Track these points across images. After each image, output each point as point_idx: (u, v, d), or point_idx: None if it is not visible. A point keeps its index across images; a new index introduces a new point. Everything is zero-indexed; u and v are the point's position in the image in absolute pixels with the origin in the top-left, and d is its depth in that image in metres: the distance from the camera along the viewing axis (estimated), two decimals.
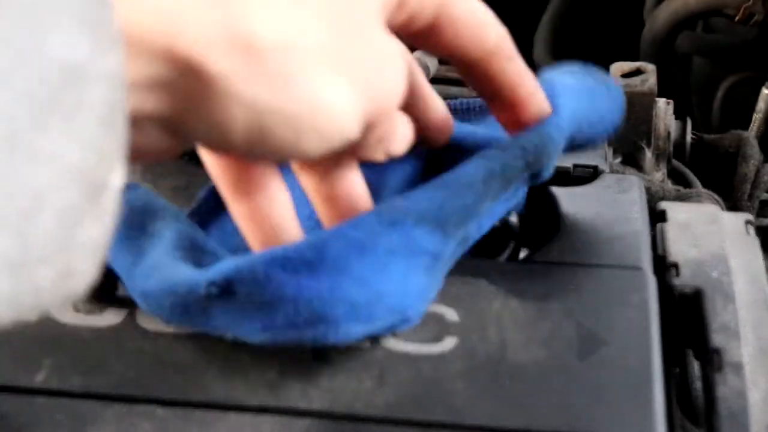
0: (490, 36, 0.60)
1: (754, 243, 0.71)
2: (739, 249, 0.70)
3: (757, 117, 1.17)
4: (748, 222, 0.73)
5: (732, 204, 0.93)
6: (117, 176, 0.36)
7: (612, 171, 0.84)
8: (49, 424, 0.60)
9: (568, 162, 0.81)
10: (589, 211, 0.70)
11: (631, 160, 0.93)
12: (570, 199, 0.73)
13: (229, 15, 0.41)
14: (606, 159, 0.84)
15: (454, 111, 0.78)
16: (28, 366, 0.64)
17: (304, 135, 0.45)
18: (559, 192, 0.76)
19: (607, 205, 0.75)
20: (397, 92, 0.51)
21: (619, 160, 0.92)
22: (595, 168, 0.81)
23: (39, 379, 0.63)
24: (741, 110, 1.22)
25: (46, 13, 0.32)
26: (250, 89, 0.42)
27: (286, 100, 0.43)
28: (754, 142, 0.96)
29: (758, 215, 0.93)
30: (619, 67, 0.95)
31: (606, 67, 0.95)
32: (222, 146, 0.46)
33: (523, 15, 1.51)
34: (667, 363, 0.65)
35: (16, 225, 0.32)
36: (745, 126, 1.17)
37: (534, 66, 1.42)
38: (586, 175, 0.81)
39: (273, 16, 0.43)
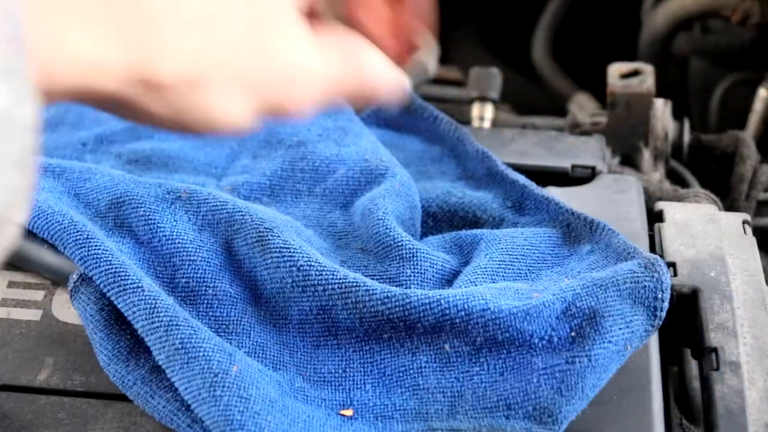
0: None
1: (752, 243, 0.71)
2: (737, 249, 0.70)
3: (753, 118, 1.18)
4: (745, 222, 0.73)
5: (729, 204, 0.93)
6: (21, 213, 0.39)
7: (610, 171, 0.84)
8: (51, 423, 0.60)
9: (566, 162, 0.82)
10: (587, 211, 0.70)
11: (629, 160, 0.93)
12: (568, 199, 0.73)
13: (137, 58, 0.45)
14: (604, 159, 0.84)
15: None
16: (31, 365, 0.64)
17: (203, 131, 0.51)
18: (558, 192, 0.76)
19: (605, 205, 0.76)
20: (297, 95, 0.54)
21: (617, 160, 0.93)
22: (594, 168, 0.81)
23: (41, 378, 0.63)
24: (738, 111, 1.23)
25: None
26: (157, 110, 0.48)
27: (186, 117, 0.49)
28: (751, 143, 0.96)
29: (755, 215, 0.93)
30: (617, 68, 0.95)
31: (604, 68, 0.96)
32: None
33: (522, 16, 1.51)
34: (665, 362, 0.65)
35: None
36: (742, 126, 1.17)
37: (533, 67, 1.42)
38: (584, 176, 0.81)
39: (176, 52, 0.47)
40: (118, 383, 0.60)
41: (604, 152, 0.85)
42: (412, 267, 0.66)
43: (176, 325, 0.59)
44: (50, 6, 0.42)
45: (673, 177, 0.96)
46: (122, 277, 0.62)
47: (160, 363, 0.58)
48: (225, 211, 0.68)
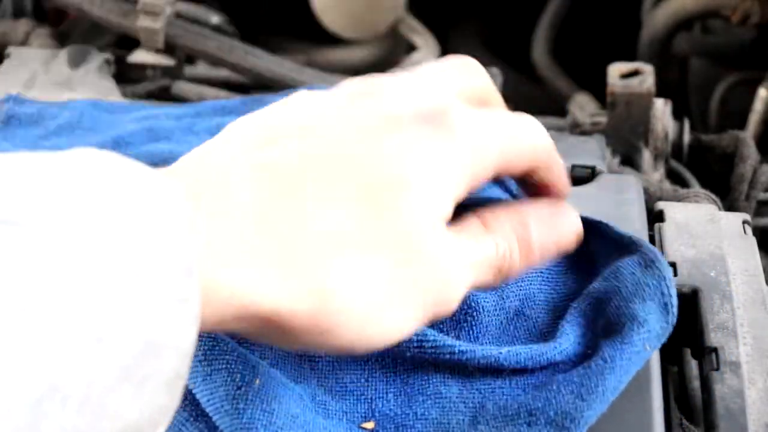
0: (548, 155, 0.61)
1: (752, 243, 0.71)
2: (737, 249, 0.70)
3: (753, 118, 1.18)
4: (745, 222, 0.73)
5: (729, 204, 0.93)
6: (161, 429, 0.41)
7: (610, 171, 0.84)
8: None
9: (566, 162, 0.82)
10: (587, 211, 0.70)
11: (629, 160, 0.93)
12: (568, 199, 0.73)
13: (310, 288, 0.46)
14: (604, 159, 0.84)
15: None
16: None
17: (366, 350, 0.51)
18: None
19: (605, 205, 0.76)
20: (457, 296, 0.54)
21: (617, 160, 0.93)
22: (594, 168, 0.81)
23: None
24: (738, 111, 1.23)
25: (139, 290, 0.37)
26: (315, 338, 0.48)
27: (343, 341, 0.49)
28: (751, 143, 0.96)
29: (755, 215, 0.93)
30: (617, 67, 0.95)
31: (604, 68, 0.96)
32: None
33: (522, 15, 1.51)
34: (665, 362, 0.65)
35: None
36: (743, 126, 1.18)
37: (533, 66, 1.43)
38: (584, 176, 0.81)
39: (344, 284, 0.47)
40: None
41: (604, 152, 0.85)
42: None
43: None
44: (218, 247, 0.44)
45: (673, 177, 0.96)
46: None
47: None
48: None
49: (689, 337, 0.66)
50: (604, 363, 0.58)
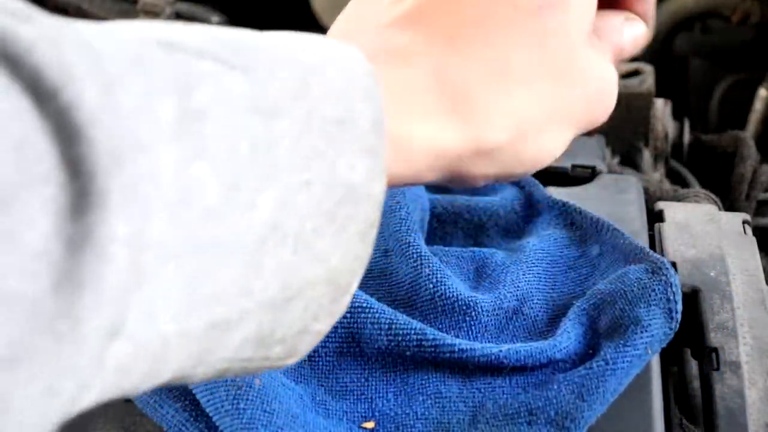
0: None
1: (752, 242, 0.71)
2: (737, 248, 0.70)
3: (753, 117, 1.18)
4: (745, 222, 0.73)
5: (729, 204, 0.93)
6: (356, 283, 0.43)
7: (610, 171, 0.84)
8: None
9: (566, 162, 0.82)
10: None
11: (629, 160, 0.93)
12: (568, 199, 0.73)
13: (469, 134, 0.49)
14: (604, 159, 0.84)
15: None
16: None
17: (527, 174, 0.55)
18: (558, 192, 0.76)
19: (605, 205, 0.76)
20: (610, 106, 0.57)
21: (617, 160, 0.93)
22: (594, 168, 0.81)
23: None
24: (738, 111, 1.23)
25: (339, 141, 0.40)
26: (487, 171, 0.51)
27: (515, 169, 0.52)
28: (751, 143, 0.96)
29: (755, 215, 0.93)
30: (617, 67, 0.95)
31: None
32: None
33: None
34: (665, 362, 0.65)
35: (276, 309, 0.40)
36: (743, 126, 1.18)
37: None
38: (584, 176, 0.81)
39: (499, 117, 0.50)
40: None
41: (604, 152, 0.85)
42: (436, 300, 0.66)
43: None
44: (398, 103, 0.47)
45: (673, 177, 0.96)
46: None
47: None
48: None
49: (689, 337, 0.66)
50: (606, 365, 0.58)
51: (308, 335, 0.43)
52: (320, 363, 0.63)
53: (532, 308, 0.66)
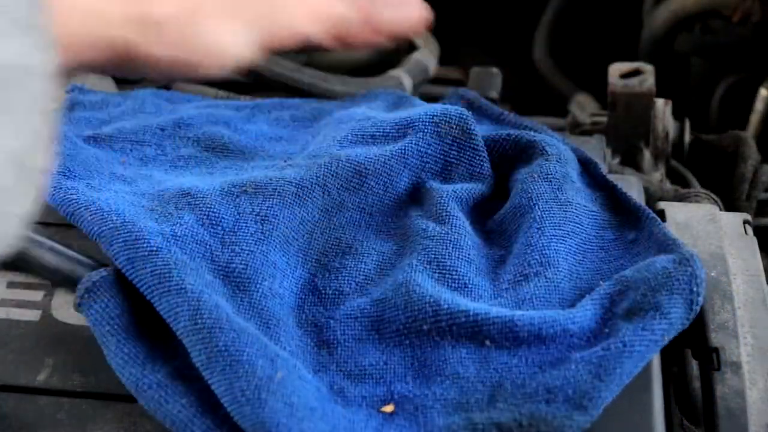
0: None
1: (752, 242, 0.71)
2: (738, 248, 0.70)
3: (754, 117, 1.18)
4: (746, 222, 0.73)
5: (730, 204, 0.93)
6: (46, 158, 0.42)
7: (611, 171, 0.84)
8: (50, 423, 0.60)
9: None
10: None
11: (630, 160, 0.93)
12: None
13: (135, 3, 0.51)
14: (605, 159, 0.84)
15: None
16: (30, 366, 0.64)
17: (208, 68, 0.56)
18: None
19: None
20: (294, 21, 0.60)
21: (617, 160, 0.92)
22: None
23: (41, 378, 0.63)
24: (739, 110, 1.23)
25: None
26: (159, 52, 0.53)
27: (186, 53, 0.54)
28: (752, 143, 0.96)
29: (756, 215, 0.93)
30: (617, 67, 0.95)
31: (605, 68, 0.95)
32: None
33: (522, 15, 1.51)
34: (666, 362, 0.65)
35: None
36: (743, 126, 1.17)
37: (534, 66, 1.42)
38: None
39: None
40: (132, 387, 0.59)
41: (605, 152, 0.85)
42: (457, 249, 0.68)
43: (220, 327, 0.59)
44: None
45: (674, 177, 0.96)
46: (167, 278, 0.62)
47: (198, 364, 0.58)
48: (288, 208, 0.69)
49: (690, 337, 0.66)
50: (624, 347, 0.59)
51: (12, 218, 0.42)
52: (339, 350, 0.63)
53: (556, 275, 0.66)
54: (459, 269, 0.66)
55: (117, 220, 0.66)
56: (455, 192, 0.73)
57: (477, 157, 0.75)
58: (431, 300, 0.62)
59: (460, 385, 0.60)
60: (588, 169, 0.76)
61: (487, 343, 0.61)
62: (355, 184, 0.72)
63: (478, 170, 0.75)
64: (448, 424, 0.57)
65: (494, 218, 0.73)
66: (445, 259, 0.67)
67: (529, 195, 0.71)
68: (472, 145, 0.75)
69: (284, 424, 0.54)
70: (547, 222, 0.69)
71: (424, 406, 0.59)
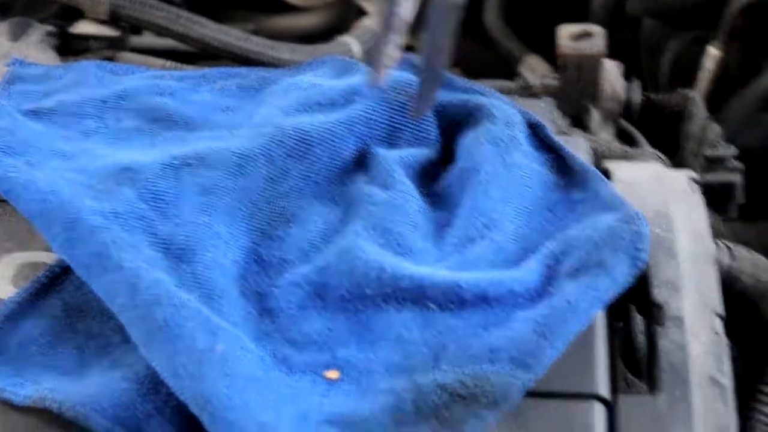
0: None
1: (698, 199, 0.72)
2: (683, 205, 0.71)
3: (703, 76, 1.18)
4: (691, 179, 0.73)
5: (678, 162, 0.93)
6: None
7: (559, 133, 0.84)
8: None
9: None
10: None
11: (580, 121, 0.93)
12: None
13: None
14: (554, 121, 0.84)
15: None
16: None
17: None
18: None
19: None
20: None
21: (568, 122, 0.93)
22: None
23: None
24: (689, 70, 1.23)
25: None
26: None
27: None
28: (700, 101, 0.96)
29: (704, 172, 0.93)
30: (567, 29, 0.95)
31: (556, 30, 0.95)
32: None
33: None
34: (611, 318, 0.66)
35: None
36: (694, 84, 1.18)
37: (484, 29, 1.42)
38: None
39: None
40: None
41: (554, 114, 0.86)
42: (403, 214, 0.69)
43: (158, 303, 0.59)
44: None
45: (624, 137, 0.96)
46: (105, 257, 0.62)
47: (137, 341, 0.58)
48: (231, 178, 0.69)
49: (635, 293, 0.66)
50: (568, 305, 0.60)
51: None
52: (282, 317, 0.63)
53: (501, 237, 0.67)
54: (404, 234, 0.67)
55: (55, 200, 0.65)
56: (401, 157, 0.73)
57: (423, 122, 0.75)
58: (375, 265, 0.63)
59: (404, 348, 0.60)
60: (536, 131, 0.76)
61: (432, 306, 0.61)
62: (301, 153, 0.72)
63: (424, 135, 0.75)
64: (393, 387, 0.58)
65: (440, 182, 0.73)
66: (389, 224, 0.67)
67: (475, 158, 0.71)
68: None
69: (225, 394, 0.55)
70: (492, 185, 0.69)
71: (369, 370, 0.60)
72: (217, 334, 0.58)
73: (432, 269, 0.63)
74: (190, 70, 0.89)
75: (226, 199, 0.69)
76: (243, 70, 0.88)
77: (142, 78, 0.85)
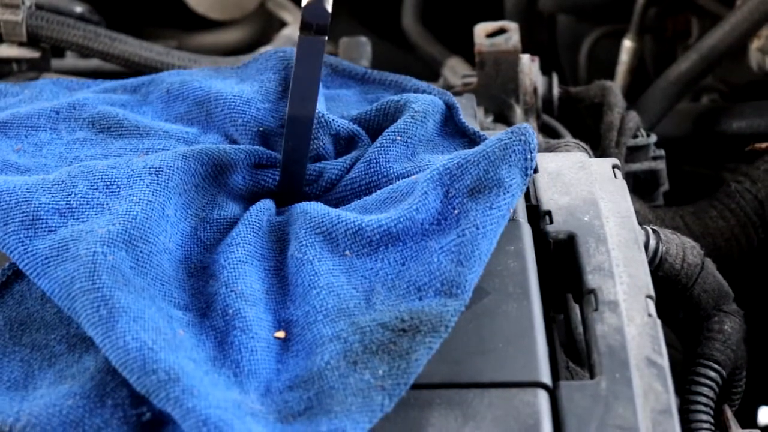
0: None
1: (622, 186, 0.73)
2: (608, 192, 0.72)
3: (620, 68, 1.21)
4: (615, 166, 0.75)
5: (601, 152, 0.95)
6: None
7: (482, 129, 0.85)
8: None
9: None
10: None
11: (502, 117, 0.95)
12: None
13: None
14: (476, 117, 0.85)
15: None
16: None
17: None
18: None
19: None
20: None
21: (491, 118, 0.94)
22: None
23: None
24: (606, 63, 1.25)
25: None
26: None
27: None
28: (618, 91, 0.98)
29: (626, 161, 0.95)
30: (483, 27, 0.96)
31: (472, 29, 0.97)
32: None
33: None
34: (549, 309, 0.67)
35: None
36: (612, 78, 1.20)
37: (403, 33, 1.43)
38: None
39: None
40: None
41: (475, 111, 0.87)
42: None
43: (119, 288, 0.60)
44: None
45: (546, 130, 0.98)
46: (64, 250, 0.63)
47: (88, 326, 0.58)
48: (181, 159, 0.70)
49: (569, 281, 0.68)
50: (477, 230, 0.63)
51: None
52: (225, 273, 0.65)
53: (396, 185, 0.70)
54: None
55: (11, 200, 0.66)
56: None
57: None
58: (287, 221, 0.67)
59: (336, 292, 0.62)
60: (451, 114, 0.79)
61: (347, 253, 0.64)
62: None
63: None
64: (337, 332, 0.59)
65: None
66: None
67: (384, 155, 0.74)
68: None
69: (190, 375, 0.55)
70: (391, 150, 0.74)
71: (309, 322, 0.61)
72: (173, 322, 0.60)
73: (337, 211, 0.67)
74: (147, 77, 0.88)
75: (177, 180, 0.69)
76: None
77: (96, 91, 0.85)
